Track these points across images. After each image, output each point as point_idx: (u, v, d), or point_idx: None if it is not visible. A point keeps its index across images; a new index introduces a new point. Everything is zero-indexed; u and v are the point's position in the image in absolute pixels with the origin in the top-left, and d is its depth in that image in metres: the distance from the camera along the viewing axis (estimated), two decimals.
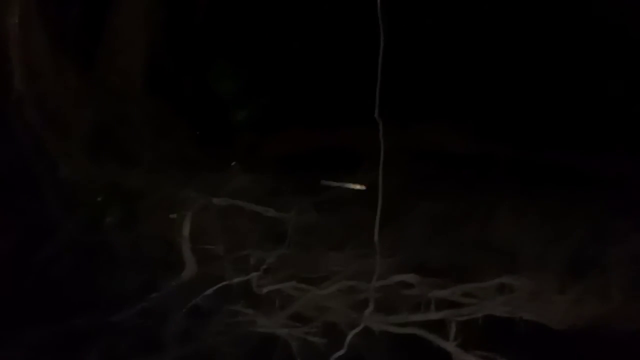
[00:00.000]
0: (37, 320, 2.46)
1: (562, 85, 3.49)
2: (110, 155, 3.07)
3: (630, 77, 3.40)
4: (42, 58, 3.14)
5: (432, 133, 3.37)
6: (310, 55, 3.47)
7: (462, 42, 3.55)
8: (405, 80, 3.23)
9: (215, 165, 3.01)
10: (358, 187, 2.99)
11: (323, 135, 3.41)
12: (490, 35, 3.49)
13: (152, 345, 2.39)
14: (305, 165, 3.15)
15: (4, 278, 2.60)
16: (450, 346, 2.30)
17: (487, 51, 3.51)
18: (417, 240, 2.78)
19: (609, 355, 2.33)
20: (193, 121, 3.35)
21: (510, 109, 3.46)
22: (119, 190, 2.96)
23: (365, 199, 2.91)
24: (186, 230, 2.57)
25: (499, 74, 3.49)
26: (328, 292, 2.51)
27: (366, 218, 2.82)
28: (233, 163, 2.91)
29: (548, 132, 3.38)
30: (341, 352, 2.31)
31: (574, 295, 2.42)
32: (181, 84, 3.55)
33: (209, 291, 2.42)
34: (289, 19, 3.54)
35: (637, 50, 3.38)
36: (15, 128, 2.98)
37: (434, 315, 2.38)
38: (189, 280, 2.49)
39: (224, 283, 2.46)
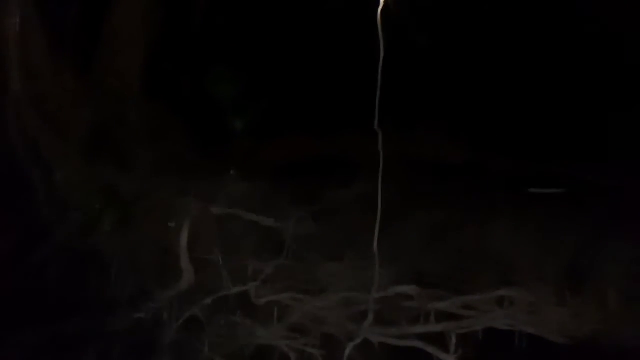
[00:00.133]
0: (31, 324, 2.39)
1: (558, 97, 3.49)
2: (107, 158, 3.01)
3: (626, 89, 3.40)
4: (40, 59, 3.08)
5: (429, 143, 3.34)
6: (310, 64, 3.43)
7: (460, 54, 3.54)
8: (403, 92, 3.20)
9: (212, 171, 2.95)
10: None
11: (321, 143, 3.37)
12: (488, 48, 3.48)
13: (147, 355, 2.31)
14: (302, 173, 3.11)
15: None
16: (450, 359, 2.26)
17: (485, 63, 3.50)
18: (415, 250, 2.74)
19: None
20: (191, 126, 3.30)
21: (507, 120, 3.45)
22: (115, 194, 2.89)
23: (363, 209, 2.87)
24: (184, 238, 2.51)
25: (497, 85, 3.48)
26: (326, 303, 2.46)
27: (364, 228, 2.78)
28: (231, 171, 2.85)
29: (544, 143, 3.37)
30: None
31: (573, 307, 2.39)
32: (179, 89, 3.50)
33: (207, 301, 2.36)
34: (289, 26, 3.50)
35: (631, 63, 3.38)
36: (12, 129, 2.91)
37: (433, 328, 2.33)
38: (186, 289, 2.42)
39: (223, 293, 2.39)
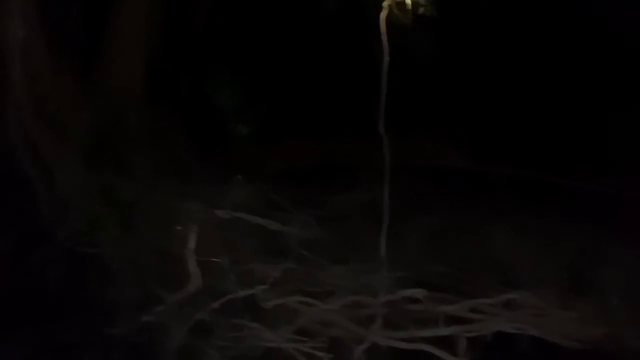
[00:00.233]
0: (34, 327, 2.35)
1: (560, 102, 3.50)
2: (108, 161, 2.97)
3: (625, 95, 3.43)
4: (42, 62, 3.05)
5: (434, 149, 3.35)
6: (314, 69, 3.43)
7: (464, 61, 3.55)
8: (407, 97, 3.20)
9: (218, 176, 2.93)
10: None
11: (326, 148, 3.36)
12: (493, 55, 3.50)
13: (155, 359, 2.28)
14: (308, 177, 3.09)
15: None
16: None
17: (490, 70, 3.51)
18: (422, 254, 2.72)
19: None
20: (195, 130, 3.27)
21: (511, 127, 3.46)
22: (115, 197, 2.85)
23: (368, 212, 2.85)
24: (191, 242, 2.48)
25: (501, 93, 3.49)
26: (334, 306, 2.43)
27: (369, 231, 2.76)
28: (238, 176, 2.83)
29: (547, 150, 3.38)
30: None
31: (579, 310, 2.38)
32: (182, 93, 3.48)
33: (215, 304, 2.33)
34: (293, 32, 3.49)
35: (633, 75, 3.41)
36: (13, 131, 2.88)
37: (442, 331, 2.31)
38: (194, 292, 2.39)
39: (230, 296, 2.36)
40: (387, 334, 2.34)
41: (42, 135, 2.99)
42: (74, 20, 3.24)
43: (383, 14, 2.78)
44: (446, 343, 2.32)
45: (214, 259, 2.49)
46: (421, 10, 2.96)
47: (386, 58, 2.73)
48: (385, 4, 2.75)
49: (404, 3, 2.83)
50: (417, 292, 2.44)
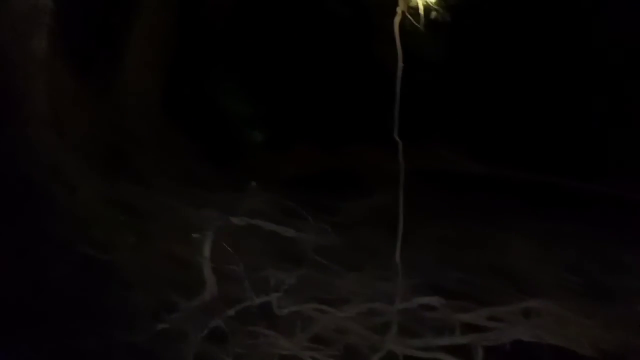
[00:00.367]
0: (54, 337, 2.35)
1: (577, 110, 3.44)
2: (126, 174, 2.99)
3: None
4: (62, 80, 3.09)
5: (447, 155, 3.30)
6: (328, 78, 3.42)
7: (477, 66, 3.51)
8: (420, 103, 3.17)
9: (233, 184, 2.92)
10: None
11: (339, 155, 3.34)
12: (506, 61, 3.46)
13: None
14: (321, 185, 3.07)
15: (18, 294, 2.49)
16: None
17: (503, 75, 3.47)
18: (436, 261, 2.67)
19: None
20: (207, 140, 3.28)
21: (525, 133, 3.41)
22: (134, 209, 2.86)
23: (383, 219, 2.81)
24: (207, 250, 2.46)
25: (515, 98, 3.44)
26: (349, 314, 2.39)
27: (384, 238, 2.72)
28: (252, 183, 2.82)
29: (564, 155, 3.32)
30: None
31: (601, 319, 2.30)
32: (195, 103, 3.50)
33: (230, 312, 2.31)
34: (305, 39, 3.49)
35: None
36: (34, 148, 2.91)
37: (459, 340, 2.26)
38: (209, 300, 2.38)
39: (245, 304, 2.34)
40: (403, 342, 2.29)
41: (63, 149, 3.02)
42: (92, 34, 3.29)
43: (396, 19, 2.75)
44: (463, 352, 2.27)
45: (229, 266, 2.47)
46: (434, 14, 2.92)
47: (400, 64, 2.69)
48: (398, 9, 2.72)
49: (417, 8, 2.80)
50: (433, 300, 2.39)
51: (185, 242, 2.62)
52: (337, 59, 3.47)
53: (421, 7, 2.78)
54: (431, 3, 2.82)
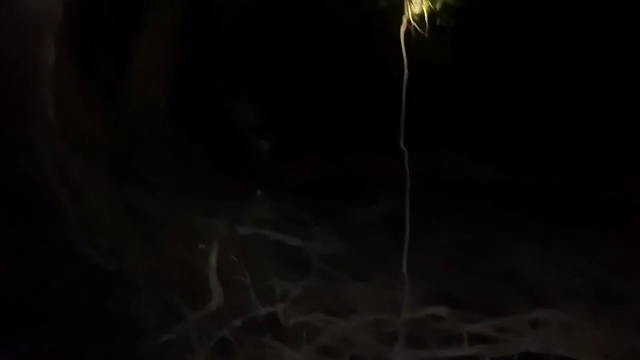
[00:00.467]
0: (54, 341, 2.33)
1: (585, 115, 3.41)
2: (133, 182, 2.98)
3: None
4: (71, 88, 3.09)
5: (454, 162, 3.28)
6: (334, 85, 3.41)
7: (481, 73, 3.49)
8: (427, 110, 3.15)
9: (239, 193, 2.90)
10: None
11: (344, 163, 3.32)
12: (511, 67, 3.44)
13: None
14: (328, 193, 3.05)
15: (22, 297, 2.48)
16: None
17: (509, 82, 3.45)
18: (444, 270, 2.64)
19: None
20: (214, 148, 3.27)
21: (531, 138, 3.38)
22: (140, 214, 2.85)
23: (390, 228, 2.79)
24: (213, 259, 2.44)
25: (519, 104, 3.42)
26: (356, 324, 2.37)
27: (391, 247, 2.69)
28: (258, 192, 2.80)
29: (572, 162, 3.29)
30: None
31: (610, 326, 2.26)
32: (203, 112, 3.49)
33: (237, 322, 2.28)
34: (311, 48, 3.48)
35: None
36: (40, 152, 2.90)
37: (467, 351, 2.22)
38: (216, 310, 2.35)
39: (252, 314, 2.32)
40: (410, 353, 2.26)
41: (70, 154, 3.02)
42: (102, 44, 3.29)
43: (402, 29, 2.73)
44: None
45: (235, 276, 2.45)
46: (439, 21, 2.91)
47: (406, 72, 2.68)
48: (404, 18, 2.70)
49: (422, 15, 2.78)
50: (441, 310, 2.36)
51: (192, 251, 2.61)
52: (344, 66, 3.46)
53: (426, 15, 2.76)
54: (436, 10, 2.81)
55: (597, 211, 2.99)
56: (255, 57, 3.57)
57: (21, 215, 2.66)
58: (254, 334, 2.30)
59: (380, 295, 2.49)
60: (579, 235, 2.84)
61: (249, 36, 3.59)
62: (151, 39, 3.43)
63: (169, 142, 3.32)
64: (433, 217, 2.89)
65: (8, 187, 2.67)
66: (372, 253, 2.72)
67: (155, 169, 3.12)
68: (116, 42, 3.33)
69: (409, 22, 2.78)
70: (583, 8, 3.47)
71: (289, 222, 2.73)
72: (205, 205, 2.84)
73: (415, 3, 2.77)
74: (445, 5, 3.17)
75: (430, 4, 2.84)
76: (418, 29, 2.81)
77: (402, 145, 2.60)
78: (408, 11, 2.73)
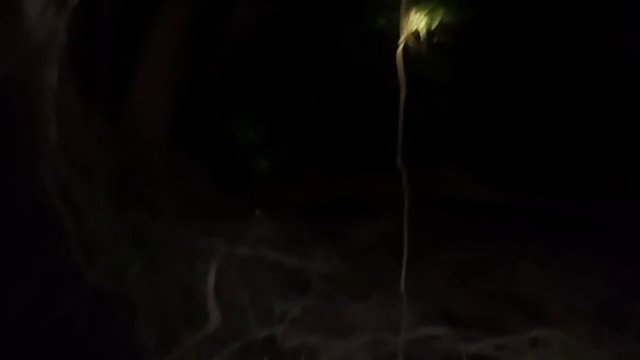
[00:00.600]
0: None
1: (584, 134, 3.41)
2: (134, 202, 2.99)
3: None
4: (72, 106, 3.12)
5: (454, 181, 3.28)
6: (331, 105, 3.43)
7: (481, 91, 3.50)
8: (427, 129, 3.16)
9: (237, 213, 2.91)
10: None
11: (344, 183, 3.33)
12: (513, 85, 3.44)
13: None
14: (327, 213, 3.05)
15: (24, 326, 2.48)
16: None
17: (510, 99, 3.45)
18: (443, 289, 2.63)
19: None
20: (215, 169, 3.29)
21: (532, 158, 3.37)
22: (141, 236, 2.85)
23: (388, 247, 2.78)
24: (211, 280, 2.44)
25: (522, 124, 3.42)
26: (354, 344, 2.35)
27: (390, 267, 2.68)
28: (257, 211, 2.80)
29: (571, 180, 3.27)
30: None
31: (612, 348, 2.23)
32: (204, 133, 3.51)
33: (235, 344, 2.27)
34: (310, 68, 3.51)
35: None
36: (43, 175, 2.92)
37: None
38: (213, 332, 2.34)
39: (249, 337, 2.30)
40: None
41: (72, 174, 3.04)
42: (104, 64, 3.33)
43: (399, 50, 2.75)
44: None
45: (234, 297, 2.45)
46: (437, 38, 2.93)
47: (403, 92, 2.69)
48: (401, 39, 2.72)
49: (420, 33, 2.81)
50: (440, 330, 2.34)
51: (190, 272, 2.60)
52: (344, 86, 3.48)
53: (423, 33, 2.79)
54: (435, 27, 2.83)
55: (597, 230, 2.97)
56: (256, 77, 3.60)
57: (22, 235, 2.68)
58: (253, 355, 2.29)
59: (379, 315, 2.48)
60: (582, 255, 2.82)
61: (250, 56, 3.62)
62: (154, 59, 3.47)
63: (169, 161, 3.34)
64: (433, 236, 2.89)
65: (9, 206, 2.69)
66: (371, 272, 2.71)
67: (157, 189, 3.13)
68: (118, 60, 3.37)
69: (407, 40, 2.80)
70: (586, 25, 3.48)
71: (288, 242, 2.73)
72: (204, 225, 2.85)
73: (413, 21, 2.80)
74: (445, 23, 3.19)
75: (428, 21, 2.87)
76: (416, 46, 2.84)
77: (399, 165, 2.60)
78: (405, 30, 2.75)
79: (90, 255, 2.73)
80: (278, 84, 3.54)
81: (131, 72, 3.41)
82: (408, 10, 2.78)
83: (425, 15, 3.02)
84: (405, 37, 2.76)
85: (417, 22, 2.83)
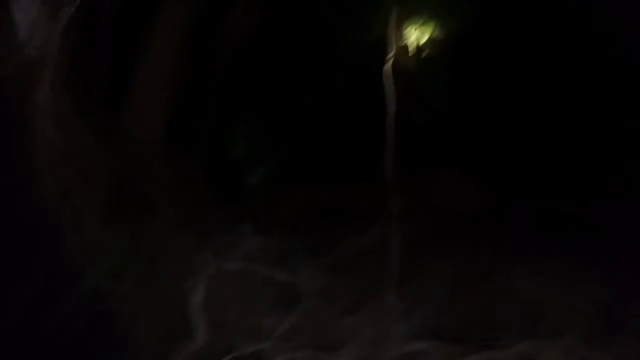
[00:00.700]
0: None
1: (582, 135, 3.34)
2: (133, 207, 2.98)
3: None
4: (70, 113, 3.12)
5: (446, 189, 3.22)
6: (323, 115, 3.40)
7: (480, 96, 3.45)
8: (417, 135, 3.12)
9: (227, 226, 2.89)
10: None
11: (335, 194, 3.29)
12: (507, 88, 3.39)
13: None
14: (317, 226, 3.01)
15: (24, 326, 2.47)
16: None
17: (504, 104, 3.40)
18: (435, 302, 2.58)
19: None
20: (205, 181, 3.26)
21: (528, 161, 3.31)
22: (134, 252, 2.84)
23: (379, 259, 2.74)
24: (199, 295, 2.42)
25: (516, 125, 3.36)
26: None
27: (380, 279, 2.65)
28: (247, 224, 2.78)
29: (568, 185, 3.21)
30: None
31: (611, 351, 2.17)
32: (197, 145, 3.49)
33: None
34: (303, 79, 3.49)
35: None
36: (40, 180, 2.92)
37: None
38: (200, 348, 2.32)
39: (237, 353, 2.28)
40: None
41: (71, 179, 3.03)
42: (101, 71, 3.33)
43: (387, 66, 2.73)
44: None
45: (221, 312, 2.42)
46: (425, 52, 2.90)
47: (391, 108, 2.67)
48: (389, 55, 2.70)
49: (409, 47, 2.78)
50: (431, 344, 2.29)
51: (178, 286, 2.59)
52: (336, 97, 3.45)
53: (412, 48, 2.77)
54: (422, 42, 2.81)
55: (596, 234, 2.90)
56: (251, 92, 3.58)
57: (22, 235, 2.68)
58: None
59: (368, 329, 2.44)
60: (578, 258, 2.76)
61: (244, 68, 3.61)
62: (152, 68, 3.47)
63: (167, 172, 3.32)
64: (426, 247, 2.84)
65: (9, 206, 2.69)
66: (361, 285, 2.67)
67: (154, 199, 3.12)
68: (116, 67, 3.36)
69: (397, 53, 2.78)
70: (586, 26, 3.44)
71: (277, 256, 2.71)
72: (193, 240, 2.83)
73: (406, 33, 2.78)
74: (444, 30, 3.17)
75: (419, 35, 2.85)
76: (405, 60, 2.81)
77: (388, 177, 2.58)
78: (394, 46, 2.74)
79: (90, 261, 2.72)
80: (275, 87, 3.51)
81: (130, 78, 3.40)
82: (399, 24, 2.76)
83: (415, 29, 2.99)
84: (394, 53, 2.74)
85: (407, 36, 2.81)
